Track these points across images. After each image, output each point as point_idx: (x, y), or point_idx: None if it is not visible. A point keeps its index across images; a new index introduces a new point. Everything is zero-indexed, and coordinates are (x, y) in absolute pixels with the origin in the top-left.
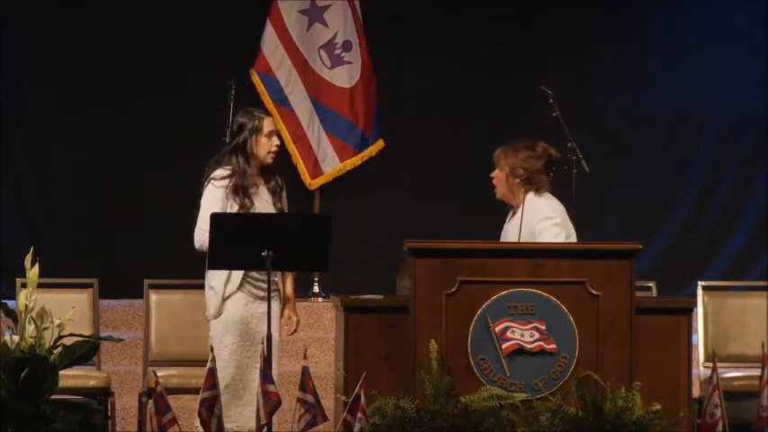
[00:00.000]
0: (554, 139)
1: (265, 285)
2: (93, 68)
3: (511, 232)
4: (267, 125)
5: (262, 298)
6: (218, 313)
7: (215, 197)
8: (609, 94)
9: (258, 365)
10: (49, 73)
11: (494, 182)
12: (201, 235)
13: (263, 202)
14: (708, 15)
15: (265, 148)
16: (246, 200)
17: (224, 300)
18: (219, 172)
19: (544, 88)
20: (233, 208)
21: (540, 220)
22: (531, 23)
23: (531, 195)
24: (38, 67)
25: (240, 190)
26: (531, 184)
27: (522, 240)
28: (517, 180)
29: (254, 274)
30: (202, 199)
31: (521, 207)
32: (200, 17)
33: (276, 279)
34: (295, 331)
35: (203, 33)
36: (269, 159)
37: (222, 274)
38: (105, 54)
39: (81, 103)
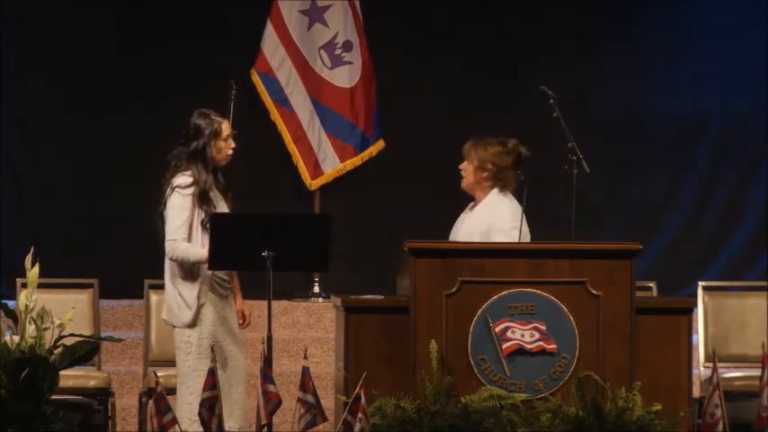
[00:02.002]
0: (554, 140)
1: (227, 284)
2: (93, 68)
3: (467, 225)
4: (225, 129)
5: (226, 297)
6: (193, 323)
7: (183, 207)
8: (609, 94)
9: (238, 363)
10: (48, 73)
11: (461, 173)
12: (177, 246)
13: (221, 204)
14: (708, 15)
15: (224, 151)
16: (211, 206)
17: (198, 308)
18: (183, 179)
19: (544, 88)
20: (200, 215)
21: (505, 221)
22: (531, 23)
23: (495, 192)
24: (38, 67)
25: (203, 197)
26: (498, 180)
27: (475, 236)
28: (485, 174)
29: (220, 274)
30: (169, 208)
31: (482, 202)
32: (200, 17)
33: (227, 278)
34: (248, 324)
35: (203, 33)
36: (224, 162)
37: (192, 283)
38: (105, 54)
39: (81, 103)
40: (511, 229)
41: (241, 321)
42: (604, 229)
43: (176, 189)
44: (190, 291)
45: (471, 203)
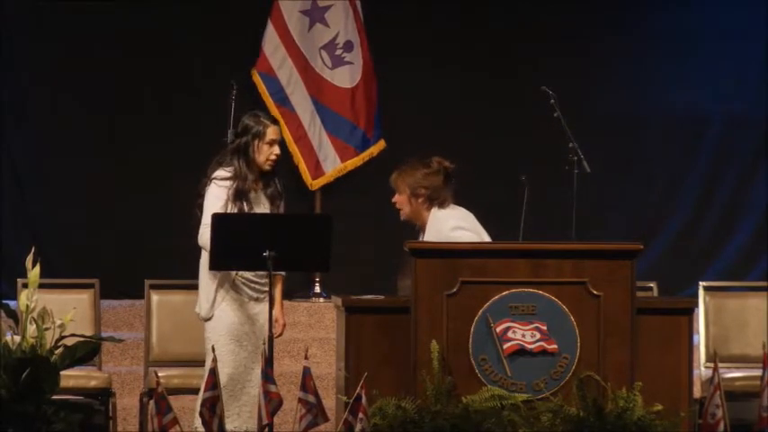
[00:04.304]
0: (555, 140)
1: (259, 287)
2: (93, 68)
3: None
4: (270, 133)
5: (255, 299)
6: (209, 316)
7: (219, 196)
8: (609, 93)
9: (255, 366)
10: (48, 73)
11: (397, 206)
12: (203, 230)
13: (261, 208)
14: (708, 15)
15: (264, 155)
16: (245, 204)
17: (214, 302)
18: (221, 173)
19: (545, 88)
20: (233, 211)
21: (452, 229)
22: (531, 23)
23: (434, 210)
24: (38, 66)
25: (240, 194)
26: (434, 200)
27: None
28: (420, 199)
29: (247, 275)
30: (206, 198)
31: (427, 225)
32: (200, 17)
33: (264, 281)
34: (280, 334)
35: (204, 33)
36: (267, 167)
37: (213, 278)
38: (105, 54)
39: (81, 103)
40: (453, 230)
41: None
42: (604, 229)
43: (213, 180)
44: (209, 285)
45: (420, 231)
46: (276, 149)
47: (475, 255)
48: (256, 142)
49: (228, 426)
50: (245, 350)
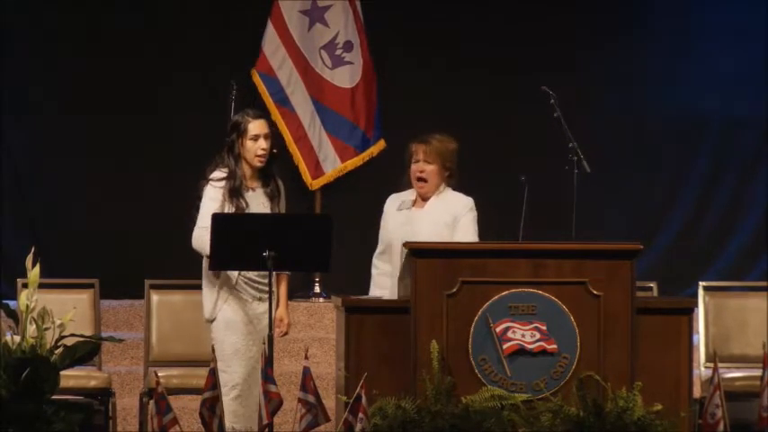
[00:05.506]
0: (555, 140)
1: (263, 286)
2: (93, 68)
3: (427, 220)
4: (252, 128)
5: (258, 298)
6: (212, 317)
7: (214, 197)
8: (609, 94)
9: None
10: (49, 73)
11: (423, 175)
12: (200, 233)
13: (260, 206)
14: (708, 15)
15: (251, 151)
16: (242, 201)
17: (216, 303)
18: (217, 173)
19: (545, 88)
20: (230, 210)
21: (470, 209)
22: (531, 23)
23: (443, 186)
24: (38, 67)
25: (234, 193)
26: (452, 177)
27: (442, 229)
28: (447, 173)
29: (251, 274)
30: (202, 199)
31: (435, 196)
32: (201, 17)
33: (262, 280)
34: (285, 333)
35: (204, 33)
36: (257, 163)
37: (214, 280)
38: (106, 54)
39: (81, 103)
40: (474, 218)
41: (276, 330)
42: (604, 229)
43: (210, 181)
44: (211, 287)
45: (409, 201)
46: (262, 144)
47: (475, 255)
48: (240, 139)
49: (241, 426)
50: (251, 349)
